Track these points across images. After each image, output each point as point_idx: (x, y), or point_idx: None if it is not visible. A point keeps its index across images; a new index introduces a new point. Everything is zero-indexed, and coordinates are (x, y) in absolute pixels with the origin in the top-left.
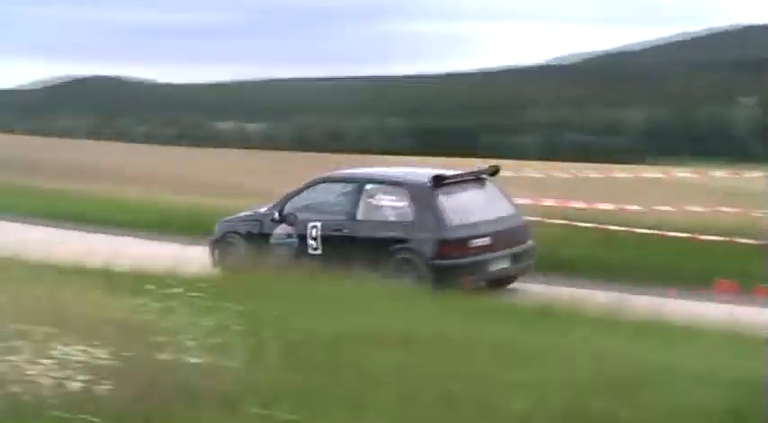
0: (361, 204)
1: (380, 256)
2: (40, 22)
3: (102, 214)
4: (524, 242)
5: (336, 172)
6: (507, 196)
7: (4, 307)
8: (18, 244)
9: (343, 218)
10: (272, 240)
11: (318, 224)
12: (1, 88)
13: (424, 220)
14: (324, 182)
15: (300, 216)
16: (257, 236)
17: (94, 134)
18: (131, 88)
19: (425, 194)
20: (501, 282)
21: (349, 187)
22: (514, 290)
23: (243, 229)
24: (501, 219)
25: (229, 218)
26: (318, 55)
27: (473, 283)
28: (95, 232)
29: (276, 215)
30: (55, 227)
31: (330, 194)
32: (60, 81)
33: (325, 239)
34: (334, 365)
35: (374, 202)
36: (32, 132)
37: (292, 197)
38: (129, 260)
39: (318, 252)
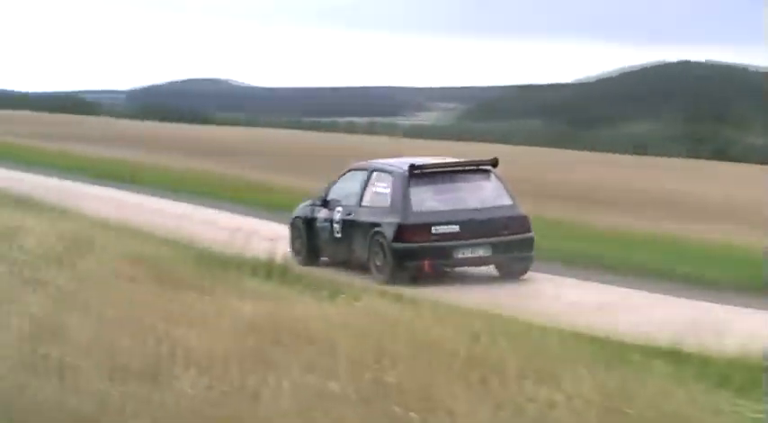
0: (367, 191)
1: (366, 240)
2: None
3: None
4: (516, 233)
5: (363, 162)
6: (507, 188)
7: None
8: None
9: (354, 204)
10: (317, 224)
11: (341, 209)
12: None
13: (394, 206)
14: (353, 170)
15: (334, 202)
16: (311, 220)
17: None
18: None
19: (401, 181)
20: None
21: (365, 175)
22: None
23: (303, 213)
24: (485, 209)
25: (303, 202)
26: None
27: (433, 267)
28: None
29: (319, 201)
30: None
31: (356, 182)
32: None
33: (343, 224)
34: None
35: (374, 189)
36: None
37: (334, 184)
38: None
39: (339, 235)
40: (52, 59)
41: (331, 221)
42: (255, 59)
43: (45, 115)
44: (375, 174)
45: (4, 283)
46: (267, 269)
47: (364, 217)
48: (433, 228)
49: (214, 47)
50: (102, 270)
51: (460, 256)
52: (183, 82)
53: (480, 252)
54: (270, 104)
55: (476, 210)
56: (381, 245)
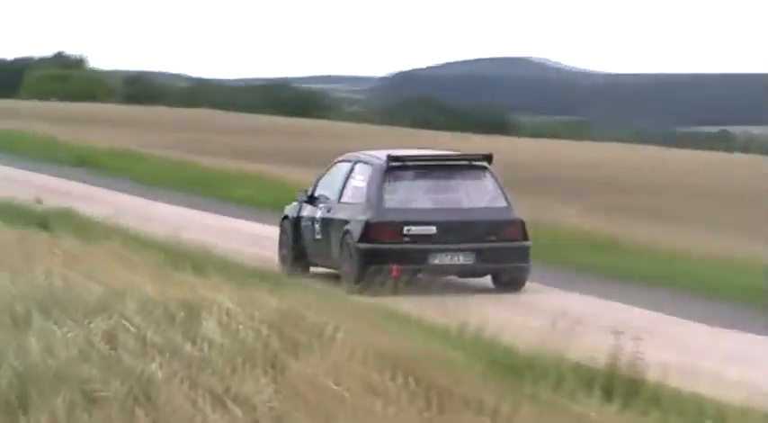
0: (347, 186)
1: (339, 241)
2: None
3: None
4: (508, 240)
5: (349, 153)
6: (501, 188)
7: None
8: None
9: (335, 199)
10: (302, 224)
11: (323, 206)
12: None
13: (367, 201)
14: (339, 162)
15: (319, 198)
16: (297, 219)
17: None
18: None
19: (377, 174)
20: (452, 275)
21: (348, 168)
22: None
23: (291, 212)
24: (472, 210)
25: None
26: None
27: (401, 273)
28: None
29: (305, 196)
30: None
31: (340, 176)
32: None
33: (323, 223)
34: None
35: (353, 182)
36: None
37: (321, 178)
38: None
39: (319, 237)
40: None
41: (313, 220)
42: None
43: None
44: (357, 166)
45: (178, 398)
46: (605, 381)
47: (340, 214)
48: (404, 227)
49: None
50: (330, 379)
51: (436, 262)
52: (451, 65)
53: (461, 259)
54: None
55: (460, 210)
56: (349, 246)
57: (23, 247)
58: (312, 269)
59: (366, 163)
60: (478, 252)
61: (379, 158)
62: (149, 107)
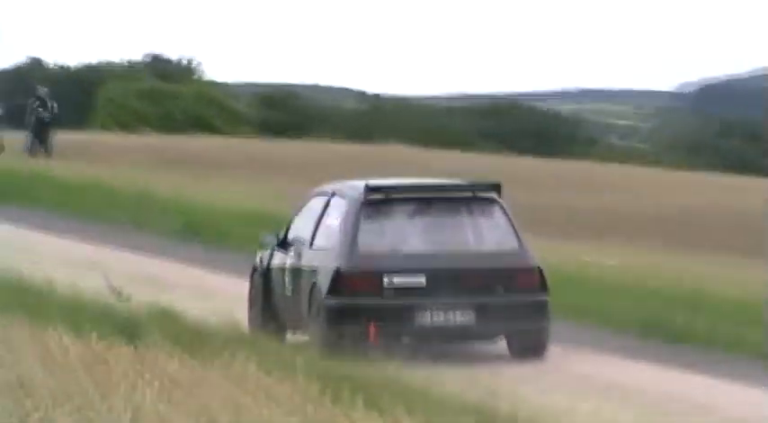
0: (321, 225)
1: (307, 296)
2: None
3: None
4: (520, 292)
5: (330, 184)
6: (514, 226)
7: None
8: None
9: (307, 243)
10: (272, 276)
11: (293, 252)
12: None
13: (337, 245)
14: (315, 196)
15: (293, 242)
16: (267, 270)
17: None
18: None
19: (352, 209)
20: (447, 340)
21: (323, 203)
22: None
23: (262, 261)
24: (474, 255)
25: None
26: None
27: (381, 336)
28: None
29: (276, 241)
30: None
31: (315, 212)
32: None
33: (292, 274)
34: None
35: (327, 221)
36: None
37: (295, 217)
38: None
39: (289, 293)
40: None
41: (283, 270)
42: None
43: None
44: (333, 200)
45: None
46: None
47: (309, 262)
48: (385, 277)
49: None
50: None
51: (426, 322)
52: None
53: (458, 318)
54: None
55: (458, 255)
56: (317, 302)
57: (98, 372)
58: (290, 336)
59: (341, 196)
60: (481, 309)
61: (355, 189)
62: (306, 142)
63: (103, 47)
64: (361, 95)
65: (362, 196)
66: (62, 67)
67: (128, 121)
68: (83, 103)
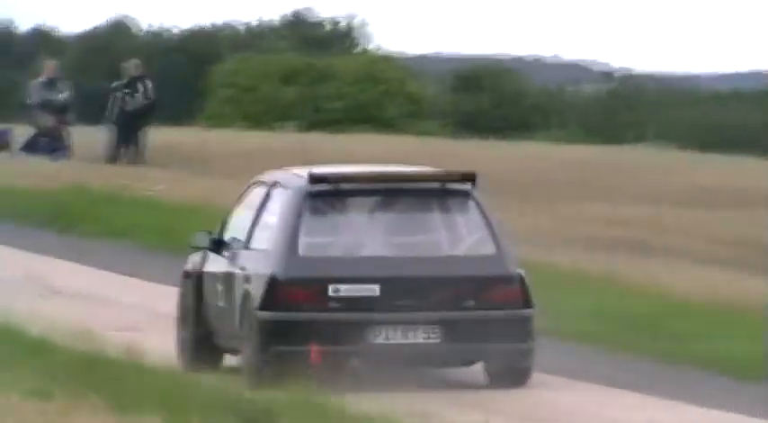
0: (259, 222)
1: (238, 308)
2: None
3: None
4: (498, 306)
5: (272, 171)
6: (491, 225)
7: None
8: None
9: (242, 244)
10: (204, 285)
11: (227, 254)
12: None
13: (274, 246)
14: (254, 185)
15: (228, 243)
16: (199, 277)
17: None
18: None
19: (292, 203)
20: (406, 363)
21: (262, 194)
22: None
23: (193, 264)
24: (440, 259)
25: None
26: None
27: (324, 357)
28: None
29: (206, 241)
30: None
31: (253, 206)
32: None
33: (225, 281)
34: None
35: (266, 216)
36: None
37: (232, 212)
38: None
39: (222, 303)
40: None
41: (215, 278)
42: None
43: None
44: (274, 191)
45: None
46: None
47: (243, 267)
48: (330, 286)
49: None
50: None
51: (380, 340)
52: None
53: (419, 336)
54: None
55: (421, 260)
56: (249, 315)
57: None
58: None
59: (282, 186)
60: (448, 326)
61: (298, 178)
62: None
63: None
64: (605, 75)
65: (305, 187)
66: (160, 33)
67: (258, 113)
68: (191, 84)
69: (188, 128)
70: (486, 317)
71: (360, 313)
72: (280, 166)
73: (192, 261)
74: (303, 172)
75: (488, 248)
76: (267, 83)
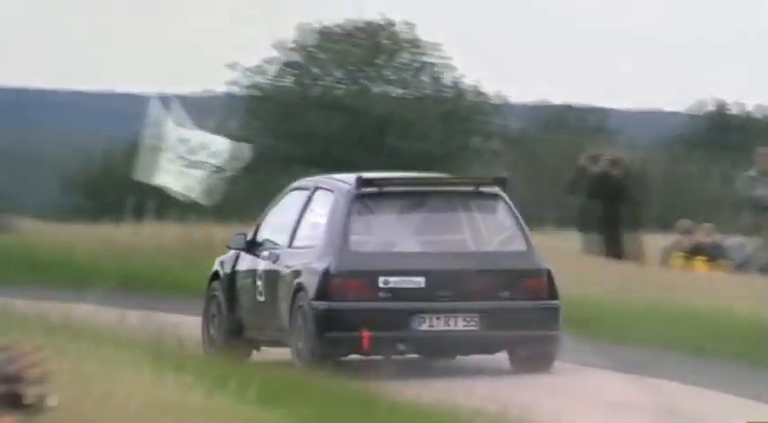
0: (302, 223)
1: (288, 302)
2: None
3: None
4: (528, 297)
5: (308, 178)
6: (521, 224)
7: None
8: None
9: (284, 244)
10: (238, 283)
11: (268, 254)
12: None
13: (325, 243)
14: (293, 190)
15: (263, 244)
16: (231, 276)
17: None
18: None
19: (341, 204)
20: (448, 349)
21: (303, 198)
22: None
23: (223, 266)
24: (477, 255)
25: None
26: None
27: (376, 344)
28: None
29: (242, 242)
30: None
31: (294, 210)
32: None
33: (266, 277)
34: None
35: (311, 218)
36: None
37: (266, 215)
38: None
39: (263, 299)
40: None
41: (254, 276)
42: None
43: None
44: (316, 194)
45: None
46: None
47: (290, 264)
48: (380, 279)
49: None
50: None
51: (424, 327)
52: None
53: (460, 324)
54: None
55: (460, 255)
56: (301, 307)
57: None
58: (256, 352)
59: (328, 190)
60: (485, 314)
61: (345, 183)
62: None
63: None
64: None
65: (354, 189)
66: None
67: None
68: None
69: None
70: (519, 306)
71: (407, 303)
72: None
73: (222, 263)
74: (348, 176)
75: (519, 245)
76: None
